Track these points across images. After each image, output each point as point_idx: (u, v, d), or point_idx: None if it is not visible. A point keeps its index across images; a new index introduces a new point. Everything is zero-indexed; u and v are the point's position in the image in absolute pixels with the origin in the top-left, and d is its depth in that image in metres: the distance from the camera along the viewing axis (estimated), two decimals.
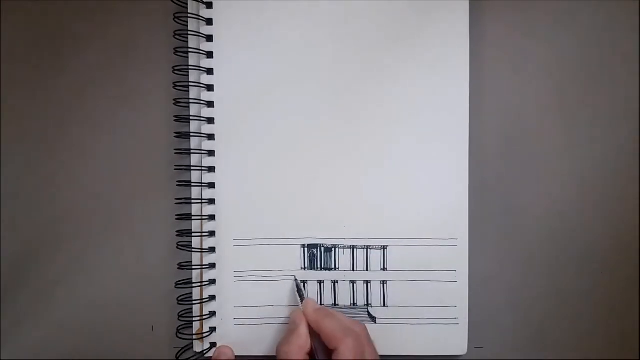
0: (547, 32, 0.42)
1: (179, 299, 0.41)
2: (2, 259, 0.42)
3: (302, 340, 0.36)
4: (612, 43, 0.42)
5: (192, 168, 0.41)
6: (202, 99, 0.41)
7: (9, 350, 0.42)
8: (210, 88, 0.41)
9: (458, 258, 0.41)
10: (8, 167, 0.42)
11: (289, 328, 0.38)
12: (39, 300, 0.42)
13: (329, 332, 0.36)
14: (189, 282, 0.41)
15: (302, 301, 0.39)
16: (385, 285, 0.41)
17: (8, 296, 0.42)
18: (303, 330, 0.37)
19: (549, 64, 0.42)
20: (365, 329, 0.38)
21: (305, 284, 0.41)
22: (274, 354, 0.41)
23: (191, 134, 0.41)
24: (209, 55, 0.41)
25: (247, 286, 0.41)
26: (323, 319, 0.37)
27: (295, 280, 0.41)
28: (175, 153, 0.41)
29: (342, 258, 0.42)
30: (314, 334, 0.37)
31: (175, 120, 0.41)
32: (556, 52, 0.42)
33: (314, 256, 0.41)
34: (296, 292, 0.40)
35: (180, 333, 0.41)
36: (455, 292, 0.41)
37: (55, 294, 0.42)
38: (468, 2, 0.41)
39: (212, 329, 0.41)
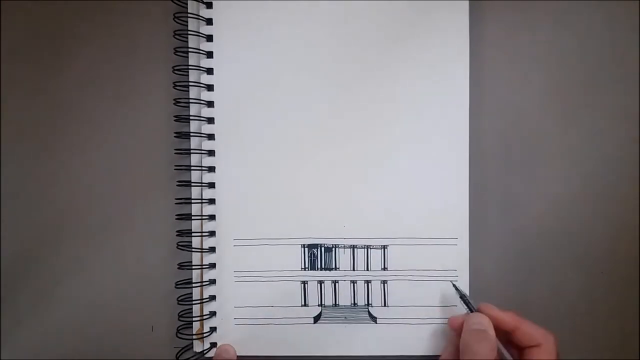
0: (547, 32, 0.42)
1: (179, 299, 0.41)
2: (2, 259, 0.42)
3: (493, 343, 0.37)
4: (612, 43, 0.42)
5: (192, 168, 0.41)
6: (202, 98, 0.41)
7: (9, 350, 0.42)
8: (210, 88, 0.41)
9: (458, 258, 0.41)
10: (8, 167, 0.42)
11: (474, 328, 0.38)
12: (39, 300, 0.42)
13: (532, 330, 0.37)
14: (189, 282, 0.41)
15: (472, 310, 0.39)
16: (385, 285, 0.42)
17: (8, 296, 0.42)
18: (493, 333, 0.37)
19: (549, 64, 0.42)
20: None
21: (306, 284, 0.41)
22: (274, 354, 0.41)
23: (191, 134, 0.41)
24: (209, 55, 0.41)
25: (247, 286, 0.41)
26: (522, 320, 0.38)
27: (457, 288, 0.40)
28: (175, 153, 0.41)
29: (343, 258, 0.42)
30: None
31: (175, 120, 0.41)
32: (556, 52, 0.42)
33: (314, 256, 0.41)
34: (461, 301, 0.40)
35: (180, 333, 0.41)
36: (455, 292, 0.41)
37: (55, 294, 0.42)
38: (468, 2, 0.41)
39: (212, 329, 0.41)
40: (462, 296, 0.40)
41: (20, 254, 0.42)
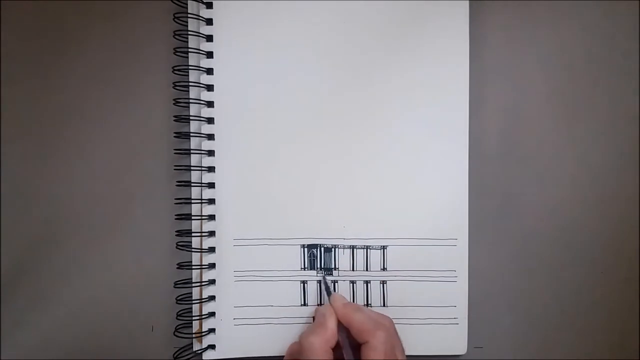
0: (547, 32, 0.42)
1: (178, 298, 0.41)
2: (2, 259, 0.42)
3: (329, 334, 0.36)
4: (612, 43, 0.42)
5: (192, 168, 0.41)
6: (201, 98, 0.41)
7: (9, 350, 0.42)
8: (210, 88, 0.41)
9: (458, 258, 0.41)
10: (8, 167, 0.42)
11: (316, 321, 0.38)
12: (39, 300, 0.42)
13: (359, 325, 0.36)
14: (188, 282, 0.41)
15: (329, 296, 0.39)
16: (385, 285, 0.41)
17: (8, 296, 0.42)
18: (331, 324, 0.36)
19: (548, 64, 0.42)
20: (392, 322, 0.38)
21: (305, 284, 0.41)
22: (274, 354, 0.41)
23: (191, 134, 0.41)
24: (209, 55, 0.41)
25: (247, 286, 0.41)
26: (353, 313, 0.37)
27: (323, 277, 0.41)
28: (175, 153, 0.41)
29: (342, 258, 0.42)
30: (341, 330, 0.37)
31: (175, 120, 0.41)
32: (556, 52, 0.42)
33: (313, 256, 0.41)
34: (324, 289, 0.40)
35: (179, 332, 0.41)
36: (455, 292, 0.41)
37: (55, 294, 0.42)
38: (468, 2, 0.41)
39: (212, 329, 0.41)
40: (324, 281, 0.40)
41: (20, 254, 0.42)
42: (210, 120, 0.41)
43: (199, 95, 0.41)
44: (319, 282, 0.41)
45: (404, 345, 0.37)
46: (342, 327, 0.37)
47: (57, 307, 0.42)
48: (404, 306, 0.41)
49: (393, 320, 0.38)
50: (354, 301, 0.41)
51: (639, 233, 0.42)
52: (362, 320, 0.36)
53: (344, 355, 0.36)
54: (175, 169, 0.41)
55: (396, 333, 0.37)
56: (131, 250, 0.42)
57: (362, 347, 0.35)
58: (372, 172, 0.41)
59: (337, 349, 0.36)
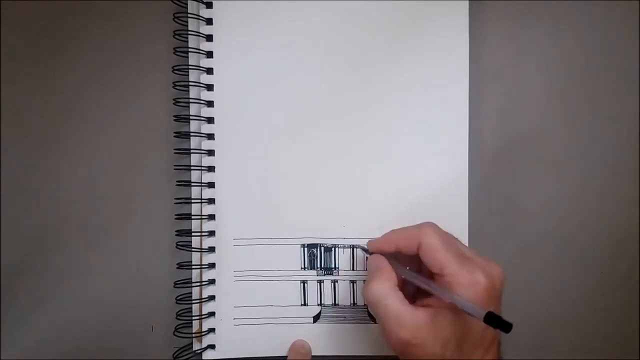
0: (547, 32, 0.42)
1: (178, 298, 0.41)
2: (2, 259, 0.42)
3: (387, 273, 0.35)
4: (612, 43, 0.42)
5: (192, 168, 0.41)
6: (201, 98, 0.41)
7: (9, 350, 0.42)
8: (210, 88, 0.41)
9: None
10: (8, 167, 0.42)
11: (368, 272, 0.37)
12: (39, 300, 0.42)
13: (404, 234, 0.35)
14: (188, 282, 0.41)
15: (369, 254, 0.38)
16: None
17: (8, 296, 0.42)
18: (385, 265, 0.35)
19: (549, 64, 0.42)
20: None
21: (305, 284, 0.41)
22: (274, 355, 0.41)
23: (191, 134, 0.41)
24: (209, 55, 0.41)
25: (247, 286, 0.41)
26: (391, 233, 0.36)
27: (361, 247, 0.41)
28: (175, 153, 0.41)
29: (342, 258, 0.42)
30: (396, 266, 0.36)
31: (174, 120, 0.41)
32: (556, 52, 0.42)
33: (313, 256, 0.41)
34: (363, 254, 0.40)
35: (179, 332, 0.41)
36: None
37: (55, 294, 0.42)
38: (468, 2, 0.41)
39: (212, 329, 0.41)
40: (356, 247, 0.40)
41: (20, 254, 0.42)
42: (210, 120, 0.41)
43: (199, 94, 0.41)
44: (355, 248, 0.41)
45: None
46: (396, 263, 0.36)
47: (57, 307, 0.42)
48: None
49: None
50: (354, 301, 0.41)
51: (639, 233, 0.42)
52: (402, 231, 0.36)
53: (415, 282, 0.34)
54: (175, 169, 0.41)
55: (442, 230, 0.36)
56: (131, 250, 0.42)
57: (419, 251, 0.34)
58: (372, 172, 0.41)
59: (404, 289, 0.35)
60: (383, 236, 0.38)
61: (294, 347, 0.41)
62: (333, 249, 0.41)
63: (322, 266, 0.41)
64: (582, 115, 0.42)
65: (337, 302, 0.42)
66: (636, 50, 0.42)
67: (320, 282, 0.41)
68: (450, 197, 0.41)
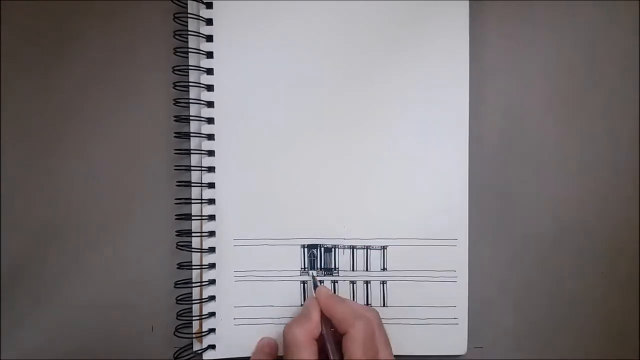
0: (547, 32, 0.42)
1: (178, 298, 0.41)
2: (2, 259, 0.42)
3: (313, 325, 0.36)
4: (612, 43, 0.42)
5: (192, 168, 0.41)
6: (201, 99, 0.41)
7: (9, 350, 0.42)
8: (210, 88, 0.41)
9: (458, 258, 0.41)
10: (8, 167, 0.42)
11: (301, 313, 0.38)
12: (39, 300, 0.42)
13: (340, 316, 0.36)
14: (188, 282, 0.41)
15: (315, 290, 0.39)
16: (385, 285, 0.41)
17: (8, 296, 0.42)
18: (315, 316, 0.37)
19: (549, 64, 0.42)
20: (377, 314, 0.38)
21: (305, 284, 0.41)
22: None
23: (191, 134, 0.41)
24: (209, 55, 0.41)
25: (247, 286, 0.41)
26: (335, 304, 0.37)
27: (313, 275, 0.41)
28: (175, 153, 0.41)
29: (342, 258, 0.42)
30: (326, 322, 0.37)
31: (175, 121, 0.41)
32: (556, 52, 0.42)
33: (313, 256, 0.41)
34: (311, 284, 0.40)
35: (179, 332, 0.41)
36: (454, 292, 0.41)
37: (55, 294, 0.42)
38: (468, 2, 0.41)
39: (212, 329, 0.41)
40: (314, 283, 0.40)
41: (20, 254, 0.42)
42: (210, 121, 0.41)
43: (199, 95, 0.41)
44: (310, 276, 0.41)
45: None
46: (326, 320, 0.37)
47: (57, 307, 0.42)
48: (404, 306, 0.41)
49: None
50: (354, 302, 0.41)
51: (639, 233, 0.42)
52: (343, 310, 0.36)
53: (327, 347, 0.36)
54: (175, 169, 0.41)
55: (381, 326, 0.37)
56: (131, 250, 0.42)
57: (342, 338, 0.36)
58: (372, 172, 0.41)
59: (321, 341, 0.36)
60: (330, 301, 0.37)
61: (259, 345, 0.41)
62: (333, 249, 0.41)
63: (322, 267, 0.42)
64: (582, 115, 0.42)
65: None
66: (636, 50, 0.42)
67: (320, 282, 0.41)
68: (450, 197, 0.41)
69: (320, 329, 0.36)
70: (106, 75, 0.42)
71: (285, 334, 0.36)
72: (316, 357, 0.35)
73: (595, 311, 0.42)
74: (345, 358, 0.35)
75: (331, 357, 0.36)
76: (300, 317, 0.37)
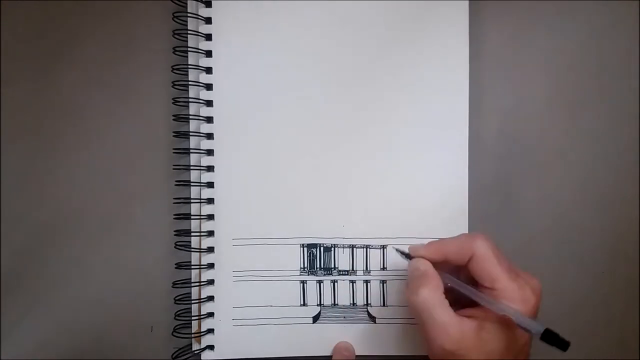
0: (547, 32, 0.42)
1: (176, 298, 0.41)
2: (2, 258, 0.42)
3: (436, 279, 0.34)
4: (612, 43, 0.42)
5: (191, 167, 0.41)
6: (201, 98, 0.41)
7: (9, 350, 0.42)
8: (209, 87, 0.41)
9: None
10: (8, 167, 0.42)
11: (413, 276, 0.35)
12: (39, 300, 0.42)
13: (455, 246, 0.34)
14: (187, 282, 0.41)
15: (410, 259, 0.37)
16: (384, 284, 0.41)
17: (8, 296, 0.42)
18: (433, 271, 0.35)
19: (548, 64, 0.42)
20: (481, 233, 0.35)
21: (305, 284, 0.41)
22: (273, 355, 0.41)
23: (190, 133, 0.41)
24: (208, 54, 0.41)
25: (246, 286, 0.41)
26: (440, 242, 0.35)
27: (397, 250, 0.39)
28: (174, 152, 0.41)
29: (342, 258, 0.41)
30: (441, 274, 0.35)
31: (174, 120, 0.41)
32: (556, 52, 0.42)
33: (313, 256, 0.41)
34: (402, 256, 0.38)
35: (178, 332, 0.41)
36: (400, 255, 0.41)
37: (55, 294, 0.42)
38: (468, 2, 0.41)
39: (211, 330, 0.41)
40: (397, 250, 0.39)
41: (20, 254, 0.42)
42: (209, 120, 0.41)
43: (198, 94, 0.41)
44: (396, 252, 0.39)
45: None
46: (441, 272, 0.35)
47: (57, 307, 0.42)
48: (404, 306, 0.41)
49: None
50: (354, 301, 0.41)
51: (639, 233, 0.42)
52: (453, 241, 0.35)
53: (462, 291, 0.34)
54: (174, 169, 0.41)
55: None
56: (130, 250, 0.42)
57: (469, 263, 0.34)
58: (372, 172, 0.41)
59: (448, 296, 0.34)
60: (432, 244, 0.36)
61: (338, 348, 0.41)
62: (333, 248, 0.41)
63: (322, 266, 0.41)
64: (582, 115, 0.42)
65: (336, 303, 0.41)
66: (636, 50, 0.42)
67: (319, 282, 0.41)
68: (450, 197, 0.41)
69: (443, 281, 0.34)
70: (105, 75, 0.42)
71: (412, 301, 0.34)
72: (452, 312, 0.33)
73: (595, 311, 0.42)
74: (487, 283, 0.33)
75: (474, 298, 0.33)
76: (415, 280, 0.35)
